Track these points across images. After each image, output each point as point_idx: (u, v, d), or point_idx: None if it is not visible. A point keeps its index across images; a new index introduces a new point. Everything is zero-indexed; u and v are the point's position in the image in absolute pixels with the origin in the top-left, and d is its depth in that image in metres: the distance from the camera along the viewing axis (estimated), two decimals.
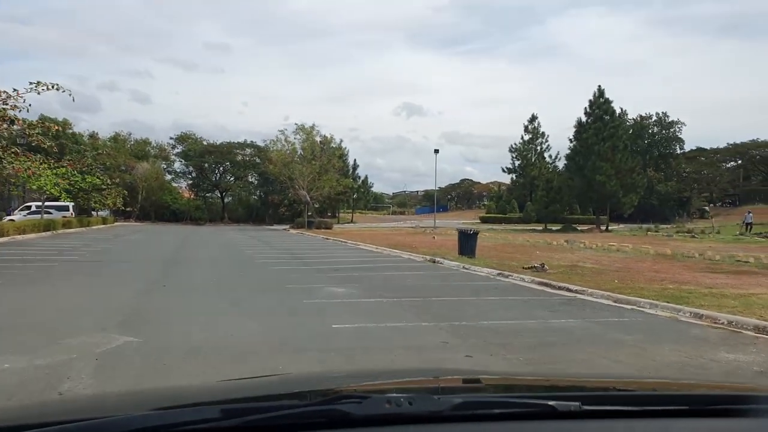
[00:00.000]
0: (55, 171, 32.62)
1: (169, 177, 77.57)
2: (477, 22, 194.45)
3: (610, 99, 50.59)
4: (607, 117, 50.19)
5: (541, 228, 51.27)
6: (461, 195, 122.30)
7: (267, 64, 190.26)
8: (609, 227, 50.69)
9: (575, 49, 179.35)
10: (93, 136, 77.31)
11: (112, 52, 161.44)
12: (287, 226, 55.12)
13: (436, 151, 48.51)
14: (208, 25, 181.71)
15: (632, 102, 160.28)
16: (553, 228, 50.31)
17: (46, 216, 39.15)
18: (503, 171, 74.48)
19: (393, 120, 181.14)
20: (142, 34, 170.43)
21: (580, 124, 51.19)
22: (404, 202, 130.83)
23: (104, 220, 52.00)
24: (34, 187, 35.58)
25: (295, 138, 51.78)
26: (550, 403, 1.19)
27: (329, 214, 74.38)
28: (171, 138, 78.97)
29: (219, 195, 78.50)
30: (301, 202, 55.10)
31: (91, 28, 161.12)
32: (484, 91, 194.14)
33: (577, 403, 1.19)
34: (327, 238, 33.43)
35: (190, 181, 78.78)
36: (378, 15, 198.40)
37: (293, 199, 66.43)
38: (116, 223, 56.59)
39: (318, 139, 52.71)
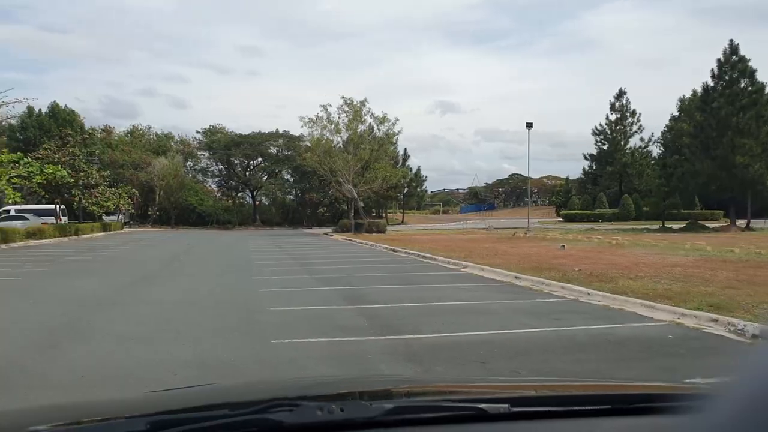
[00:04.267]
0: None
1: (195, 175, 67.79)
2: (508, 18, 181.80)
3: (747, 57, 38.53)
4: (745, 80, 38.13)
5: (656, 227, 39.51)
6: (508, 192, 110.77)
7: (299, 66, 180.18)
8: (750, 224, 38.59)
9: (610, 43, 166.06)
10: (106, 129, 68.52)
11: (147, 58, 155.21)
12: (329, 230, 44.46)
13: (529, 125, 35.59)
14: (238, 28, 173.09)
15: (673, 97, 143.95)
16: (674, 227, 38.52)
17: (13, 223, 29.66)
18: (585, 158, 61.89)
19: (427, 119, 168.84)
20: (175, 40, 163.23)
21: (705, 91, 39.26)
22: (448, 201, 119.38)
23: (105, 227, 41.42)
24: None
25: (339, 118, 40.91)
26: (480, 405, 1.20)
27: (374, 213, 63.17)
28: (197, 132, 69.14)
29: (249, 194, 68.38)
30: (345, 199, 44.56)
31: (126, 35, 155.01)
32: (518, 87, 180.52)
33: (506, 405, 1.20)
34: (393, 250, 22.53)
35: (217, 178, 69.24)
36: (408, 13, 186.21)
37: (334, 197, 55.99)
38: (124, 230, 46.58)
39: (369, 119, 41.52)
